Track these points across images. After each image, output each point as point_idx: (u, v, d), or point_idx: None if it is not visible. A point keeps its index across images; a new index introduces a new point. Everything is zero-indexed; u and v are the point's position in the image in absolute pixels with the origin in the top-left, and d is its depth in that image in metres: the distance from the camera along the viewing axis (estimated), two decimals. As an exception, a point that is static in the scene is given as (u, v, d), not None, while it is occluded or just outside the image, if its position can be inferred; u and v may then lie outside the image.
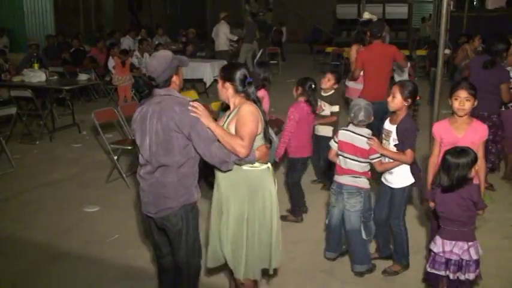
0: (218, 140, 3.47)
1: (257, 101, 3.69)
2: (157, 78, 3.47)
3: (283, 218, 5.86)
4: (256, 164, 3.66)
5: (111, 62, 11.47)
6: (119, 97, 11.03)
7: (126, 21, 20.88)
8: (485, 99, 5.48)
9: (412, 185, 4.49)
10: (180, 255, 3.68)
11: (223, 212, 3.75)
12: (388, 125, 4.49)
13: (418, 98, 4.41)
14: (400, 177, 4.46)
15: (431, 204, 3.89)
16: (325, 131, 6.17)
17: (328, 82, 6.11)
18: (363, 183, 4.57)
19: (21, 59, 11.90)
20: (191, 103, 3.44)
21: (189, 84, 12.96)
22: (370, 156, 4.45)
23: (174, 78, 3.54)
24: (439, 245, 3.79)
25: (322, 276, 4.73)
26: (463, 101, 4.15)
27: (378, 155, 4.42)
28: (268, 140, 3.71)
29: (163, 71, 3.46)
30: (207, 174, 3.94)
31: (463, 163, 3.58)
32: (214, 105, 7.09)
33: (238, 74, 3.63)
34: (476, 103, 4.22)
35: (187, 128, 3.38)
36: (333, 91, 6.17)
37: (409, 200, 4.70)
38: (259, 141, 3.65)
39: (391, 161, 4.41)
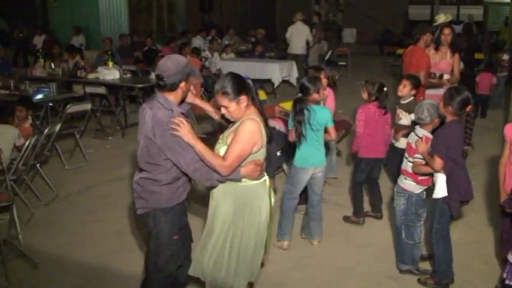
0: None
1: (260, 107, 3.58)
2: (167, 78, 3.35)
3: (345, 218, 5.86)
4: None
5: (183, 61, 11.65)
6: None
7: (197, 21, 21.22)
8: None
9: (444, 199, 4.29)
10: (149, 257, 3.66)
11: (210, 220, 3.72)
12: None
13: (468, 108, 4.16)
14: (437, 187, 4.34)
15: (509, 211, 3.77)
16: (401, 142, 5.99)
17: (404, 88, 5.76)
18: (409, 185, 4.54)
19: (95, 56, 12.33)
20: (173, 119, 3.30)
21: (257, 84, 13.00)
22: (414, 155, 4.41)
23: (183, 85, 3.41)
24: None
25: (388, 283, 4.64)
26: None
27: (421, 156, 4.35)
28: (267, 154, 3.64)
29: (176, 73, 3.35)
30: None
31: None
32: (285, 105, 7.07)
33: (246, 80, 3.52)
34: None
35: (164, 148, 3.34)
36: (411, 98, 5.81)
37: (444, 215, 4.38)
38: (259, 157, 3.54)
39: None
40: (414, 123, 4.74)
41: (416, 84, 5.85)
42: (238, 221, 3.60)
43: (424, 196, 4.57)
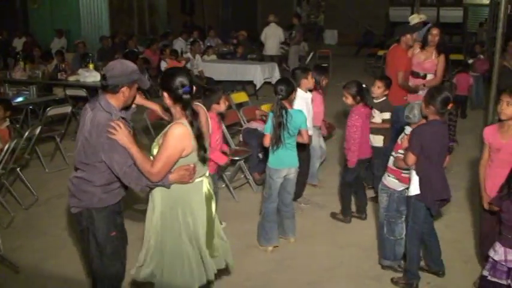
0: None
1: (192, 115, 3.42)
2: (109, 78, 3.35)
3: (332, 215, 5.97)
4: None
5: (164, 64, 11.63)
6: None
7: (179, 23, 21.16)
8: None
9: (416, 197, 4.33)
10: (92, 261, 3.66)
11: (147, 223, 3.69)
12: None
13: (449, 106, 4.23)
14: (411, 185, 4.39)
15: (496, 209, 3.83)
16: (376, 140, 6.04)
17: (378, 90, 5.98)
18: (391, 183, 4.66)
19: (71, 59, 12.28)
20: (111, 123, 3.29)
21: (239, 86, 13.01)
22: (398, 151, 4.52)
23: (125, 89, 3.39)
24: (501, 254, 3.71)
25: (370, 283, 4.67)
26: (504, 104, 4.07)
27: (402, 152, 4.46)
28: (202, 158, 3.49)
29: (119, 75, 3.35)
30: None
31: None
32: (265, 107, 7.11)
33: (177, 82, 3.37)
34: None
35: (99, 150, 3.35)
36: (384, 98, 6.03)
37: (417, 214, 4.38)
38: (189, 160, 3.44)
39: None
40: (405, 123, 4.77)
41: (389, 84, 6.05)
42: (166, 223, 3.56)
43: (406, 194, 4.61)
